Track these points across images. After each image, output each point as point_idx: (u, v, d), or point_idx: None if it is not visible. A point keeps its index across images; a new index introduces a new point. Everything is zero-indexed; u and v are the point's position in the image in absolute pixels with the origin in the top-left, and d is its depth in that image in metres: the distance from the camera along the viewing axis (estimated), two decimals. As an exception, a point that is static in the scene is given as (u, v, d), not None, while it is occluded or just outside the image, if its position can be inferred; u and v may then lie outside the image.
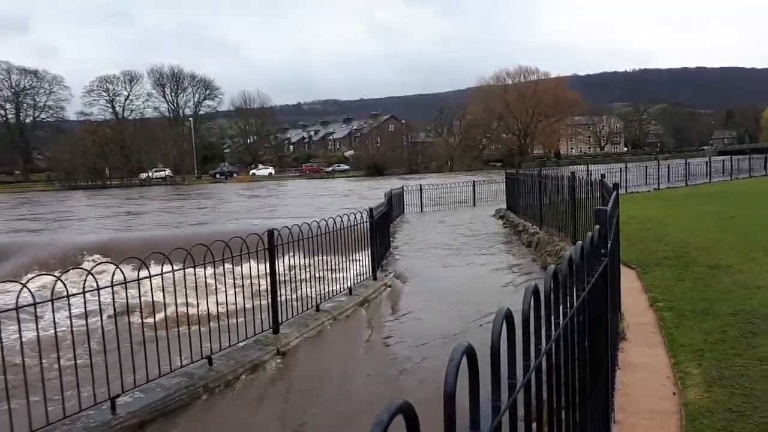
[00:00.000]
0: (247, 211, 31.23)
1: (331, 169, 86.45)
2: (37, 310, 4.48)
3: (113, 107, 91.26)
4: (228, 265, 6.31)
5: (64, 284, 4.49)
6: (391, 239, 14.46)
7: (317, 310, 8.05)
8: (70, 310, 4.64)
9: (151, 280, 5.29)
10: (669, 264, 8.18)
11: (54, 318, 4.57)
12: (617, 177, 22.10)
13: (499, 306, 1.21)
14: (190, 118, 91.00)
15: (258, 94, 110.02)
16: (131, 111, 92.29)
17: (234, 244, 6.24)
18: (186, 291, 5.76)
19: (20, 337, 4.45)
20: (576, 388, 2.05)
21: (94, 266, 5.27)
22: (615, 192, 5.36)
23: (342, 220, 8.93)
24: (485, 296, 9.01)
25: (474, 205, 25.57)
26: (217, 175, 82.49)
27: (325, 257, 8.63)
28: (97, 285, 4.85)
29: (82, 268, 5.09)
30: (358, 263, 9.87)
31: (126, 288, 5.20)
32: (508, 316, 1.17)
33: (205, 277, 6.10)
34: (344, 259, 9.38)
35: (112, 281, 4.90)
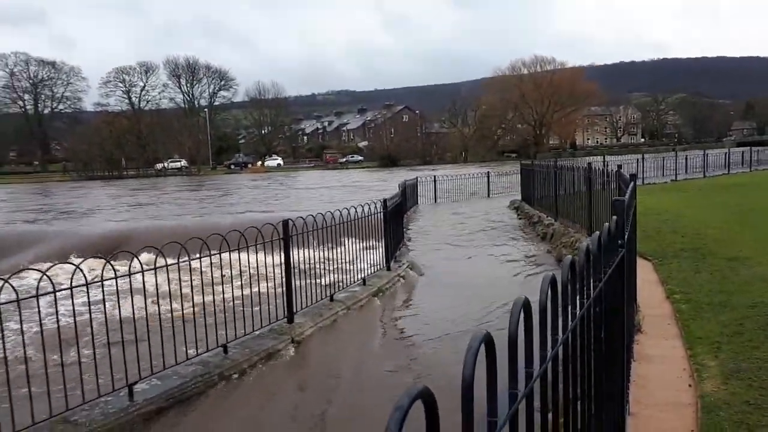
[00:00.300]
0: (259, 202, 31.37)
1: (345, 160, 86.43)
2: (54, 297, 4.55)
3: (129, 98, 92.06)
4: (243, 255, 6.35)
5: (83, 272, 4.55)
6: (404, 230, 14.46)
7: (331, 299, 8.09)
8: (89, 298, 4.70)
9: (167, 270, 5.35)
10: (686, 256, 8.10)
11: (73, 305, 4.64)
12: (634, 168, 21.84)
13: (513, 297, 1.21)
14: (206, 109, 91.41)
15: (272, 84, 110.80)
16: (147, 102, 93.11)
17: (249, 234, 6.28)
18: (202, 280, 5.81)
19: (40, 324, 4.53)
20: (592, 378, 2.05)
21: (112, 255, 5.34)
22: (632, 183, 5.31)
23: (356, 211, 8.95)
24: (499, 287, 8.99)
25: (488, 196, 25.47)
26: (232, 166, 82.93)
27: (338, 248, 8.66)
28: (115, 274, 4.91)
29: (100, 257, 5.15)
30: (371, 254, 9.89)
31: (143, 276, 5.26)
32: (526, 306, 1.17)
33: (221, 267, 6.15)
34: (358, 250, 9.41)
35: (129, 270, 4.96)
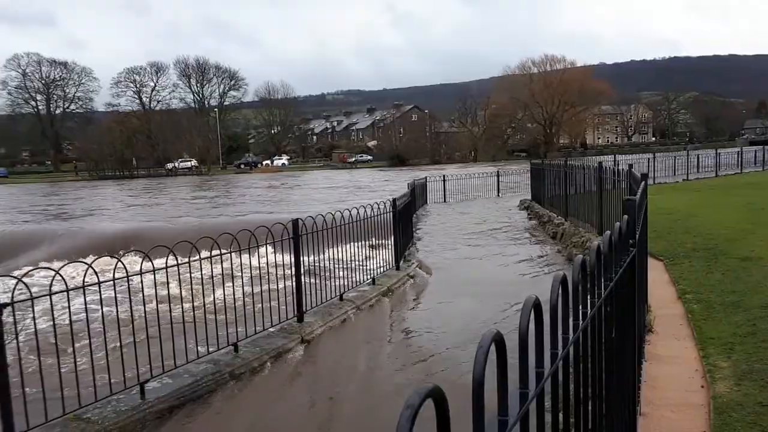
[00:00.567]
0: (272, 202, 31.46)
1: (353, 159, 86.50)
2: (62, 296, 4.59)
3: (140, 98, 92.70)
4: (254, 254, 6.38)
5: (95, 272, 4.59)
6: (414, 230, 14.46)
7: (341, 299, 8.10)
8: (101, 296, 4.74)
9: (178, 268, 5.38)
10: (698, 256, 8.04)
11: (86, 304, 4.68)
12: (645, 167, 21.70)
13: (522, 297, 1.21)
14: (215, 109, 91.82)
15: (282, 84, 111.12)
16: (158, 102, 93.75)
17: (259, 233, 6.31)
18: (213, 279, 5.85)
19: (53, 323, 4.57)
20: (602, 378, 2.04)
21: (123, 254, 5.38)
22: (643, 182, 5.28)
23: (365, 211, 8.95)
24: (509, 287, 8.96)
25: (498, 195, 25.40)
26: (242, 166, 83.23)
27: (348, 247, 8.67)
28: (127, 273, 4.95)
29: (113, 256, 5.20)
30: (381, 253, 9.89)
31: (154, 275, 5.29)
32: (537, 305, 1.16)
33: (231, 266, 6.18)
34: (367, 250, 9.42)
35: (141, 269, 5.00)
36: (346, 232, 8.40)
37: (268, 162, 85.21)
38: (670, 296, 6.37)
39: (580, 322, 1.62)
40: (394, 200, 10.42)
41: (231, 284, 6.44)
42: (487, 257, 11.88)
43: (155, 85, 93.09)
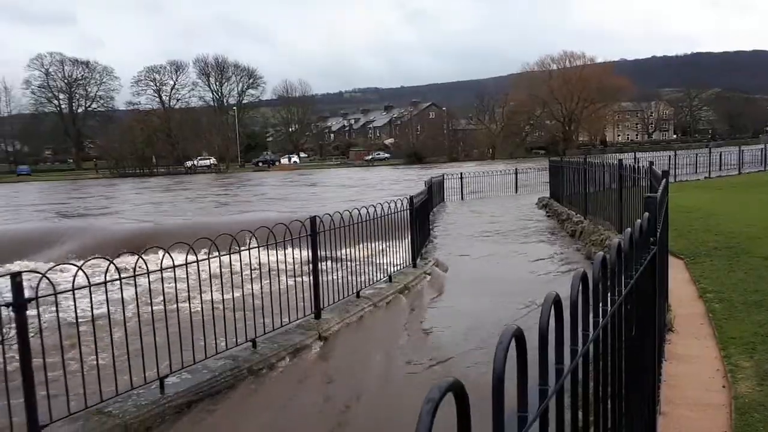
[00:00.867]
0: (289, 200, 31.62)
1: (370, 157, 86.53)
2: (82, 292, 4.67)
3: (160, 97, 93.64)
4: (272, 251, 6.42)
5: (116, 268, 4.66)
6: (431, 227, 14.43)
7: (358, 296, 8.12)
8: (122, 293, 4.81)
9: (198, 265, 5.44)
10: (719, 254, 7.92)
11: (107, 300, 4.75)
12: (666, 165, 21.39)
13: (541, 295, 1.21)
14: (234, 107, 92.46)
15: (299, 82, 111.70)
16: (177, 100, 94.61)
17: (277, 231, 6.36)
18: (232, 276, 5.90)
19: (76, 318, 4.65)
20: (622, 376, 2.02)
21: (144, 251, 5.44)
22: (664, 180, 5.21)
23: (382, 208, 8.96)
24: (527, 285, 8.91)
25: (516, 193, 25.25)
26: (260, 164, 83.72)
27: (365, 244, 8.69)
28: (147, 269, 5.02)
29: (133, 253, 5.27)
30: (398, 251, 9.90)
31: (174, 272, 5.36)
32: (557, 302, 1.16)
33: (250, 263, 6.23)
34: (384, 247, 9.43)
35: (161, 265, 5.06)
36: (363, 229, 8.41)
37: (286, 160, 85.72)
38: (690, 295, 6.29)
39: (600, 320, 1.61)
40: (411, 198, 10.41)
41: (250, 281, 6.49)
42: (504, 255, 11.82)
43: (175, 84, 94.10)
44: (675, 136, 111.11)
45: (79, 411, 4.52)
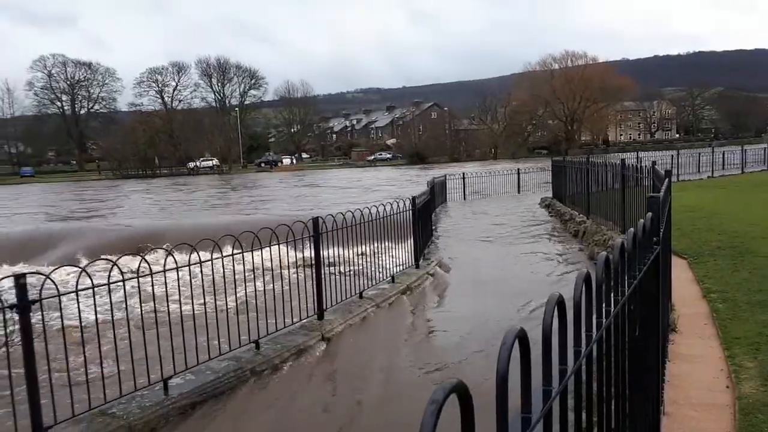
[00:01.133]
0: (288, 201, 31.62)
1: (372, 158, 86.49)
2: (85, 293, 4.67)
3: (162, 98, 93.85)
4: (274, 252, 6.43)
5: (119, 269, 4.67)
6: (433, 228, 14.43)
7: (360, 297, 8.12)
8: (125, 294, 4.82)
9: (201, 266, 5.45)
10: (723, 254, 7.90)
11: (110, 301, 4.76)
12: (669, 164, 21.36)
13: (544, 296, 1.21)
14: (236, 108, 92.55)
15: (301, 83, 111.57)
16: (179, 101, 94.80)
17: (279, 232, 6.36)
18: (235, 277, 5.91)
19: (80, 321, 4.66)
20: (626, 377, 2.02)
21: (147, 252, 5.45)
22: (667, 179, 5.20)
23: (385, 209, 8.97)
24: (529, 286, 8.90)
25: (518, 193, 25.23)
26: (262, 164, 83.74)
27: (368, 245, 8.69)
28: (150, 270, 5.02)
29: (137, 254, 5.28)
30: (400, 251, 9.90)
31: (177, 273, 5.36)
32: (560, 303, 1.16)
33: (253, 263, 6.24)
34: (387, 248, 9.42)
35: (164, 266, 5.07)
36: (366, 230, 8.42)
37: (288, 161, 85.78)
38: (694, 295, 6.28)
39: (604, 320, 1.61)
40: (414, 198, 10.41)
41: (252, 282, 6.50)
42: (507, 255, 11.81)
43: (177, 85, 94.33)
44: (678, 135, 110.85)
45: (83, 413, 4.53)
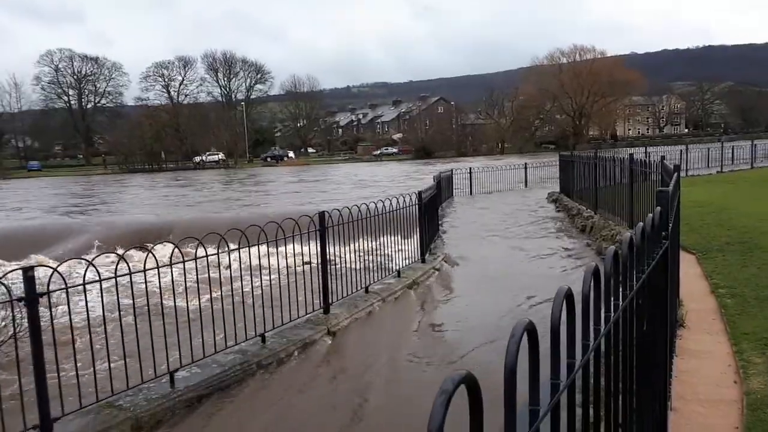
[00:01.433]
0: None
1: (379, 152, 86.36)
2: (90, 286, 4.70)
3: (168, 92, 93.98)
4: (281, 246, 6.43)
5: (127, 263, 4.68)
6: (439, 223, 14.41)
7: (366, 291, 8.13)
8: (132, 287, 4.83)
9: (207, 259, 5.46)
10: (732, 249, 7.85)
11: (117, 294, 4.78)
12: (677, 159, 21.19)
13: (551, 291, 1.19)
14: (242, 103, 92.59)
15: (307, 77, 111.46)
16: (185, 96, 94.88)
17: (286, 226, 6.37)
18: (241, 270, 5.92)
19: (87, 313, 4.69)
20: (633, 371, 2.01)
21: (153, 246, 5.47)
22: (676, 174, 5.16)
23: (391, 203, 8.95)
24: (536, 280, 8.88)
25: (526, 188, 25.15)
26: (268, 159, 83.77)
27: (374, 240, 8.68)
28: (157, 263, 5.04)
29: (143, 247, 5.29)
30: (406, 246, 9.89)
31: (184, 266, 5.38)
32: (569, 296, 1.15)
33: (259, 257, 6.24)
34: (393, 242, 9.42)
35: (171, 260, 5.08)
36: (372, 224, 8.41)
37: (296, 155, 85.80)
38: (702, 290, 6.25)
39: (612, 314, 1.59)
40: (420, 193, 10.39)
41: (259, 275, 6.51)
42: (514, 250, 11.78)
43: (183, 79, 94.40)
44: (687, 130, 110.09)
45: (91, 404, 4.56)
